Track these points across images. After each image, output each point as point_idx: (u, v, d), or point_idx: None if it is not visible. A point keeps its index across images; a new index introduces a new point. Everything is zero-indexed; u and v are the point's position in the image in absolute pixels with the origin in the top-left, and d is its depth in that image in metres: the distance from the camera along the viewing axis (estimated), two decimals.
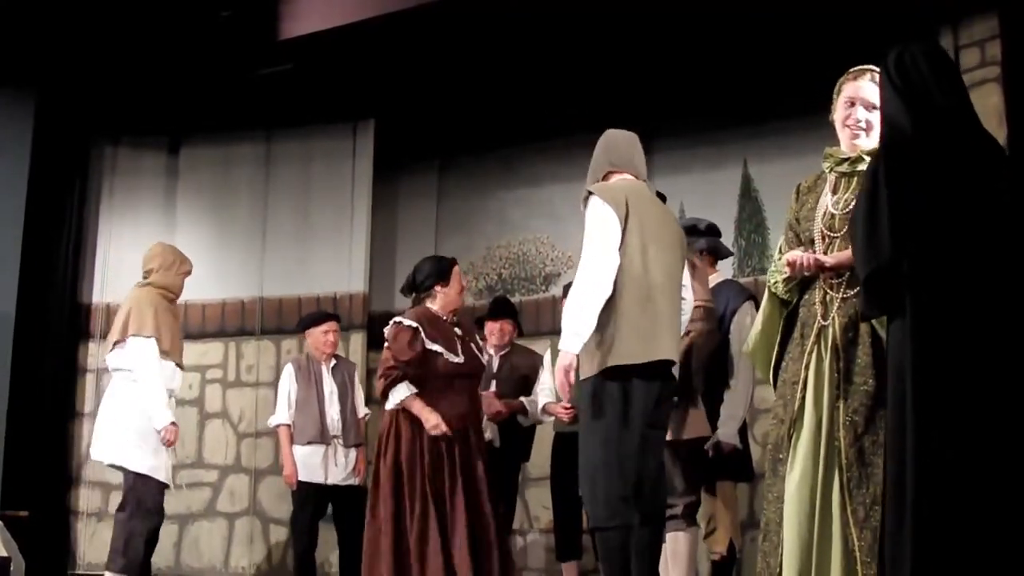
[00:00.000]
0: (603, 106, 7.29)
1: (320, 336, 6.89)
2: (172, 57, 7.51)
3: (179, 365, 6.14)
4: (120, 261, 8.39)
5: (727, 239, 7.56)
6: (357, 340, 8.18)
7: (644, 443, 4.12)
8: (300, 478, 6.65)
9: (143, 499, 5.86)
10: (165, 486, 6.00)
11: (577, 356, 4.14)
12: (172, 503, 8.07)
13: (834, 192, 3.55)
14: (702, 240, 5.43)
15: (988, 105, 6.13)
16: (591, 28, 6.84)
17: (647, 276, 4.18)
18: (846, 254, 3.40)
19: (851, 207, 3.40)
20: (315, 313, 7.28)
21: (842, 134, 3.60)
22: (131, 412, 5.88)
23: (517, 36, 6.98)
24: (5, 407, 7.21)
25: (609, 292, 4.12)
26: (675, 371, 4.30)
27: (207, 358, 8.40)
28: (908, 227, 2.94)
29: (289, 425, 6.73)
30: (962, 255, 2.93)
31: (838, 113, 3.62)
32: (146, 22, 7.21)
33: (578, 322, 4.10)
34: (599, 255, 4.17)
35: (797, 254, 3.50)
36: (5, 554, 5.79)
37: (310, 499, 6.66)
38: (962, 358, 2.88)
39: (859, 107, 3.55)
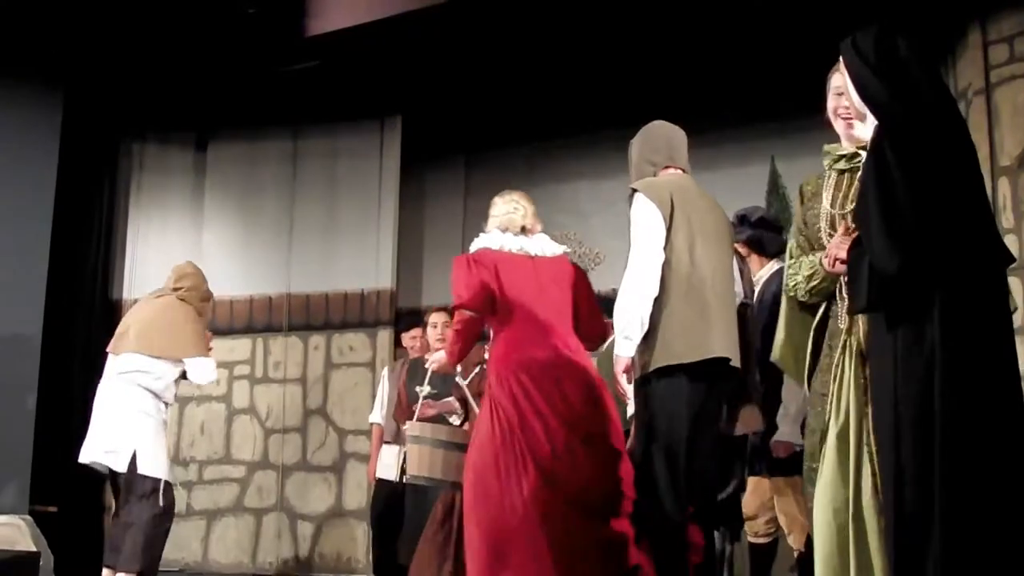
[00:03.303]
0: (629, 102, 7.27)
1: (408, 341, 7.02)
2: (199, 54, 7.54)
3: None
4: (148, 257, 8.45)
5: None
6: (384, 337, 8.20)
7: (693, 442, 4.07)
8: (377, 475, 6.74)
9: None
10: None
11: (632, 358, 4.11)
12: (200, 499, 8.18)
13: (835, 191, 3.50)
14: (748, 231, 5.20)
15: (1017, 101, 6.07)
16: (617, 25, 6.83)
17: (695, 273, 4.12)
18: None
19: (850, 206, 3.35)
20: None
21: (837, 125, 3.56)
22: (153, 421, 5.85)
23: (543, 32, 6.98)
24: (35, 402, 7.26)
25: (655, 292, 4.08)
26: (735, 364, 4.18)
27: (235, 354, 8.43)
28: (934, 216, 2.87)
29: (380, 424, 6.90)
30: (977, 248, 2.88)
31: (829, 104, 3.58)
32: (173, 19, 7.24)
33: (627, 326, 4.06)
34: (644, 256, 4.12)
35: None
36: (34, 549, 5.85)
37: (380, 495, 6.74)
38: (1001, 356, 2.86)
39: (847, 96, 3.50)
